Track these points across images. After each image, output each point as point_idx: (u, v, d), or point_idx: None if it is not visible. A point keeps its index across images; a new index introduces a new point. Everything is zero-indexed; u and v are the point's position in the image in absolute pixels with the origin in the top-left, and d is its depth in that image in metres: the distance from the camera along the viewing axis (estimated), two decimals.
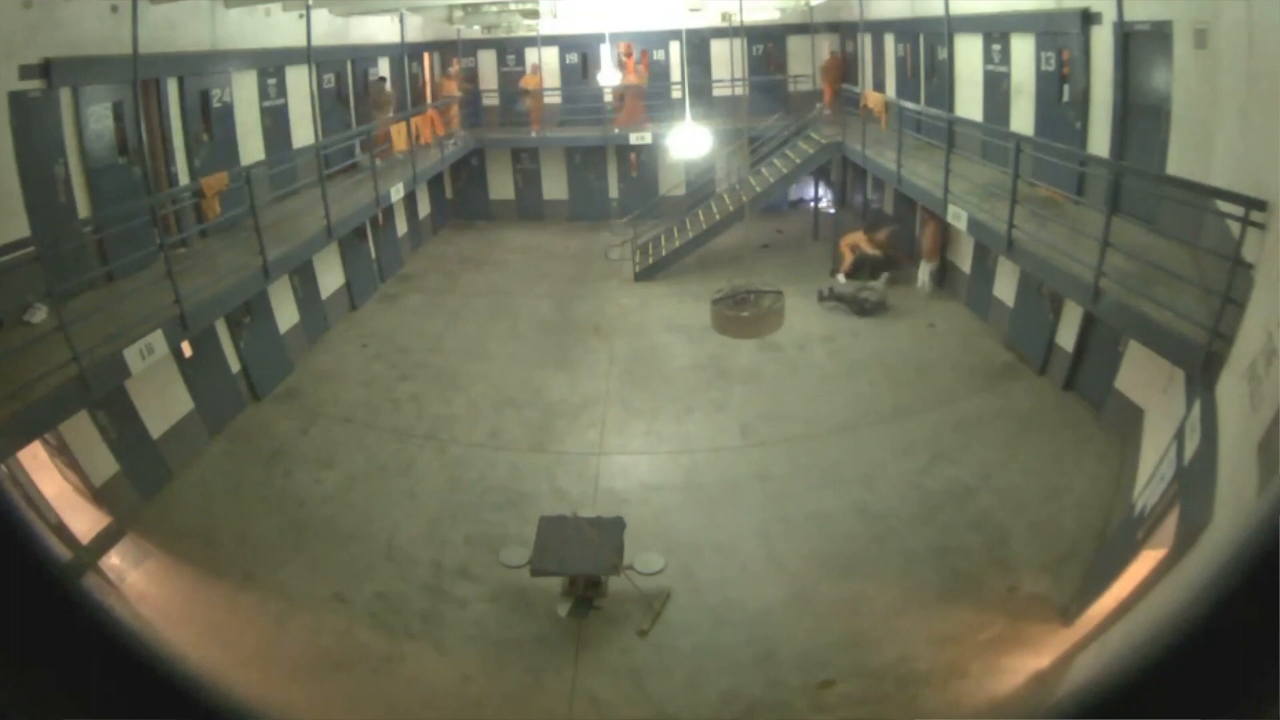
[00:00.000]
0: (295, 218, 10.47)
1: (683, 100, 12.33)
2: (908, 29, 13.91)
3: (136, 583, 7.11)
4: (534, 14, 15.69)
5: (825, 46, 18.06)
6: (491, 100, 19.21)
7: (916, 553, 7.12)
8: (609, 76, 16.99)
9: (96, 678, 0.68)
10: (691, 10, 16.07)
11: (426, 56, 18.17)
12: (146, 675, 0.69)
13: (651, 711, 5.82)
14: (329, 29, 12.99)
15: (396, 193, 13.34)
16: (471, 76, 18.94)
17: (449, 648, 6.47)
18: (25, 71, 7.22)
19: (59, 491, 7.47)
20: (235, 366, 10.17)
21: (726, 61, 16.96)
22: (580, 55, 18.88)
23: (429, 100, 17.52)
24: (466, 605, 6.90)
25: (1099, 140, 8.68)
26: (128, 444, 8.02)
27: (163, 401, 8.68)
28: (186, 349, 8.96)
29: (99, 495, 7.61)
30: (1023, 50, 10.27)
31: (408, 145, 13.78)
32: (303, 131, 12.09)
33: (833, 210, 16.60)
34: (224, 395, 9.84)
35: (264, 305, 10.80)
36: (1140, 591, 5.00)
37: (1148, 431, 7.32)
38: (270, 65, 11.47)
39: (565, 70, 19.07)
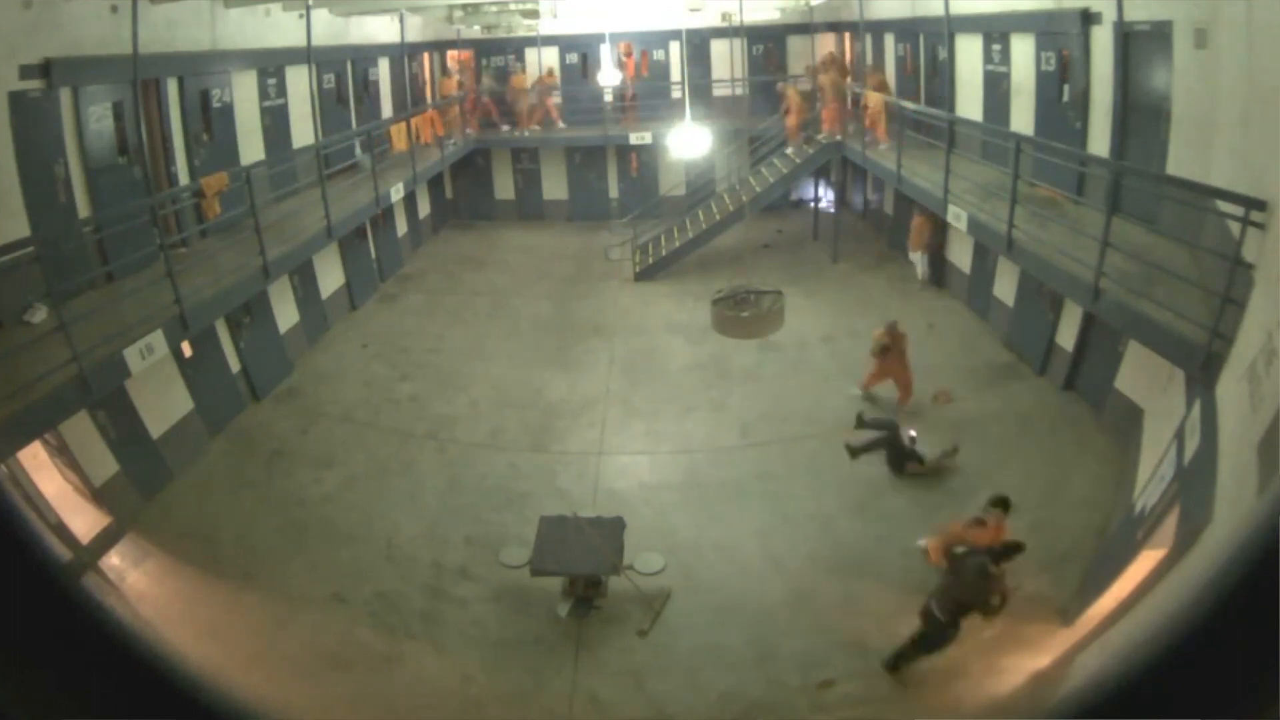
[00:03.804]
0: (295, 218, 10.47)
1: (683, 100, 12.34)
2: (908, 29, 13.91)
3: (136, 583, 7.11)
4: (534, 14, 15.69)
5: (824, 46, 18.03)
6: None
7: (917, 553, 7.12)
8: (609, 76, 17.00)
9: (96, 678, 0.68)
10: (691, 10, 16.07)
11: (426, 56, 18.17)
12: (146, 675, 0.69)
13: (651, 711, 5.82)
14: (329, 29, 12.99)
15: (396, 193, 13.35)
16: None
17: (449, 648, 6.47)
18: (25, 71, 7.23)
19: (59, 491, 7.47)
20: (235, 366, 10.17)
21: (726, 61, 16.96)
22: (580, 55, 18.89)
23: (429, 100, 17.53)
24: (466, 605, 6.90)
25: (1099, 140, 8.68)
26: (128, 444, 8.02)
27: (163, 401, 8.68)
28: (186, 349, 8.96)
29: (99, 495, 7.60)
30: (1023, 50, 10.27)
31: (407, 145, 13.79)
32: (303, 131, 12.09)
33: (833, 210, 16.60)
34: (224, 395, 9.84)
35: (264, 305, 10.80)
36: (1140, 591, 5.00)
37: (1148, 431, 7.32)
38: (270, 65, 11.47)
39: (565, 70, 19.07)
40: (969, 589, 5.56)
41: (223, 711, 0.71)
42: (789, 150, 13.76)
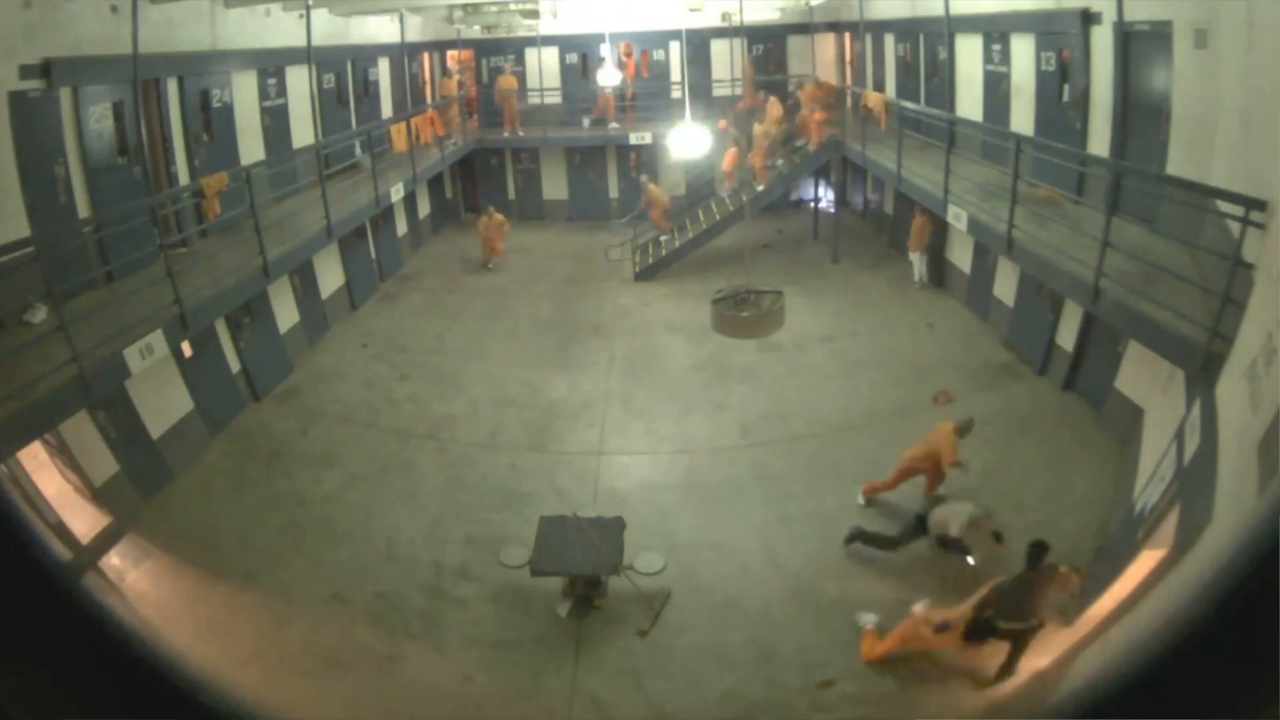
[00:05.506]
0: (295, 218, 10.46)
1: (682, 100, 12.34)
2: (908, 29, 13.91)
3: (136, 583, 7.11)
4: (534, 14, 15.70)
5: (824, 46, 18.00)
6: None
7: (916, 552, 7.11)
8: (609, 76, 17.01)
9: (96, 678, 0.68)
10: (691, 10, 16.07)
11: (426, 56, 18.16)
12: (146, 675, 0.69)
13: (651, 711, 5.82)
14: (329, 29, 12.98)
15: (396, 193, 13.35)
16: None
17: (449, 648, 6.47)
18: (25, 71, 7.22)
19: (59, 491, 7.46)
20: (235, 366, 10.17)
21: (726, 61, 16.96)
22: (580, 55, 18.89)
23: (429, 100, 17.53)
24: (466, 605, 6.90)
25: (1099, 140, 8.68)
26: (128, 444, 8.01)
27: (163, 401, 8.68)
28: (186, 349, 8.96)
29: (99, 495, 7.60)
30: (1023, 50, 10.27)
31: (407, 145, 13.79)
32: (303, 131, 12.09)
33: (833, 210, 16.60)
34: (224, 395, 9.84)
35: (264, 305, 10.80)
36: (1140, 591, 5.00)
37: (1148, 431, 7.32)
38: (270, 65, 11.46)
39: (565, 70, 19.06)
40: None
41: (223, 711, 0.71)
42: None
